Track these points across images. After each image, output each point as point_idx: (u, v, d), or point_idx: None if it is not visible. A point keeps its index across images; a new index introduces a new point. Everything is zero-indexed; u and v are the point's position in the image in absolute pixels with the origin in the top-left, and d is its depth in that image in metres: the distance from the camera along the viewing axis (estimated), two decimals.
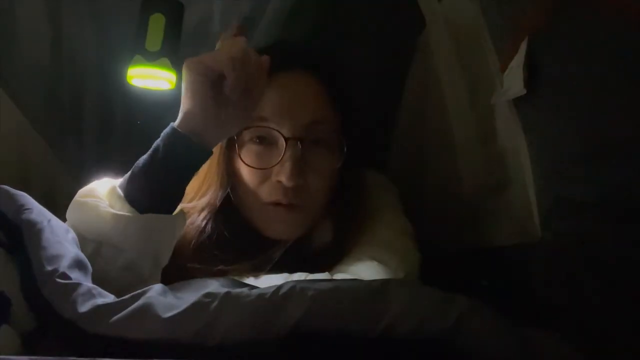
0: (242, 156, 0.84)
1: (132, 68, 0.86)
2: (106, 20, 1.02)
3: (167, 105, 1.03)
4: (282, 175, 0.81)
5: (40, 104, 1.03)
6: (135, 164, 0.74)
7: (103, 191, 0.73)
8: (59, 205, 0.70)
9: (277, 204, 0.83)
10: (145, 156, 0.73)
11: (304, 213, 0.85)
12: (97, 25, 1.02)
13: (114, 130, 1.13)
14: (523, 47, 0.70)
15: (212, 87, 0.71)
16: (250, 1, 1.04)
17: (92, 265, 0.67)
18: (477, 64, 0.87)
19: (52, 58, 1.01)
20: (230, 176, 0.87)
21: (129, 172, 0.74)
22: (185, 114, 0.73)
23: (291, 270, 0.83)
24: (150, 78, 0.88)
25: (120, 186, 0.73)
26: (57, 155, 1.07)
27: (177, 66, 0.88)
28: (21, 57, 0.96)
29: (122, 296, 0.56)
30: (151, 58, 0.85)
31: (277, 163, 0.82)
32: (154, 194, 0.72)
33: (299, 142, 0.82)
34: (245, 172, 0.85)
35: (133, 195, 0.72)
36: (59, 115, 1.06)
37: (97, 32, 1.03)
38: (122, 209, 0.70)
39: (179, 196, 0.75)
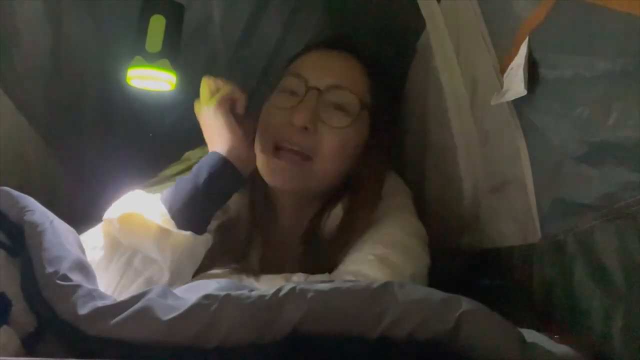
0: (272, 100, 0.91)
1: (132, 69, 0.86)
2: (106, 21, 1.02)
3: (166, 106, 1.03)
4: (295, 115, 0.86)
5: (40, 104, 1.03)
6: (177, 186, 0.79)
7: (146, 203, 0.77)
8: (58, 206, 0.70)
9: (281, 149, 0.87)
10: (190, 181, 0.79)
11: (309, 167, 0.87)
12: (97, 26, 1.02)
13: (114, 131, 1.13)
14: (523, 48, 0.70)
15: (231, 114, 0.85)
16: (249, 4, 1.04)
17: (118, 277, 0.73)
18: (477, 65, 0.87)
19: (52, 58, 1.01)
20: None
21: (170, 192, 0.78)
22: (231, 148, 0.81)
23: (300, 255, 0.87)
24: (150, 79, 0.88)
25: (162, 201, 0.78)
26: (56, 155, 1.07)
27: (177, 67, 0.88)
28: (21, 57, 0.96)
29: None
30: (151, 59, 0.85)
31: (295, 106, 0.87)
32: (194, 217, 0.77)
33: (319, 93, 0.88)
34: (267, 115, 0.91)
35: (173, 214, 0.76)
36: (59, 115, 1.06)
37: (97, 32, 1.03)
38: (165, 224, 0.75)
39: (211, 219, 0.81)
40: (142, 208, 0.75)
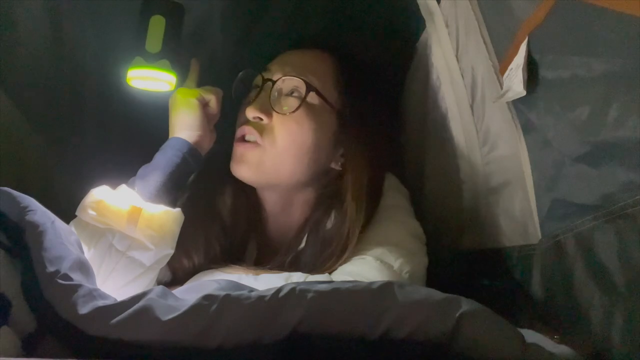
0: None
1: (132, 69, 0.86)
2: (106, 21, 1.01)
3: (167, 107, 1.03)
4: (248, 108, 0.89)
5: (40, 104, 1.02)
6: (143, 171, 0.84)
7: (115, 191, 0.80)
8: (58, 206, 0.69)
9: (239, 140, 0.91)
10: (160, 167, 0.84)
11: (260, 153, 0.89)
12: (97, 27, 1.02)
13: (113, 131, 1.13)
14: (523, 48, 0.70)
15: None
16: (250, 4, 1.04)
17: (104, 259, 0.75)
18: (477, 65, 0.87)
19: (52, 59, 1.01)
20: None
21: (139, 178, 0.83)
22: (193, 132, 0.88)
23: (294, 256, 0.87)
24: (150, 80, 0.88)
25: (130, 185, 0.83)
26: (56, 155, 1.07)
27: (177, 68, 0.88)
28: (21, 58, 0.96)
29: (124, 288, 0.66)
30: (151, 60, 0.85)
31: (253, 100, 0.90)
32: (162, 195, 0.82)
33: (272, 84, 0.90)
34: (239, 113, 0.94)
35: (143, 195, 0.81)
36: (59, 116, 1.06)
37: (97, 33, 1.02)
38: (136, 203, 0.78)
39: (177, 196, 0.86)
40: (112, 195, 0.79)
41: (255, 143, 0.89)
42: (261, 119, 0.89)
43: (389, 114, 1.02)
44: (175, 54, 0.87)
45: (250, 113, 0.89)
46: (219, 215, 0.94)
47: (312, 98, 0.90)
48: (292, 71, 0.91)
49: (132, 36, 0.87)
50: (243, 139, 0.90)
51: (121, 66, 0.89)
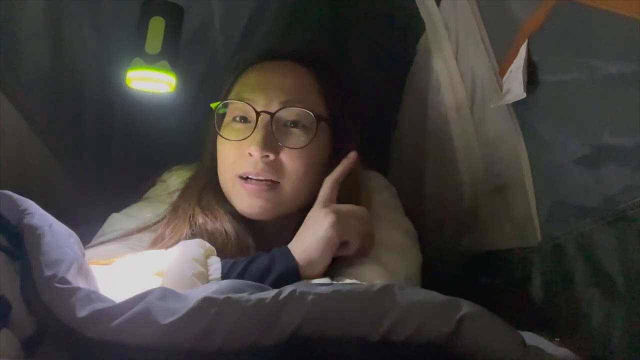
0: (223, 134, 0.87)
1: (132, 71, 0.86)
2: (106, 24, 1.02)
3: (166, 108, 1.03)
4: (252, 145, 0.83)
5: (41, 107, 1.03)
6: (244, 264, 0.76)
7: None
8: (58, 208, 0.69)
9: (248, 178, 0.84)
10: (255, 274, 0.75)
11: (278, 191, 0.85)
12: (97, 29, 1.02)
13: (113, 134, 1.13)
14: (522, 50, 0.70)
15: None
16: (249, 5, 1.04)
17: None
18: (476, 67, 0.87)
19: (53, 62, 1.01)
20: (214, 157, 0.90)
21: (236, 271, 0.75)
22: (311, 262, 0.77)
23: None
24: (149, 81, 0.88)
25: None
26: (56, 157, 1.07)
27: (176, 69, 0.88)
28: (22, 61, 0.96)
29: None
30: (151, 61, 0.86)
31: (249, 135, 0.84)
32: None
33: (271, 117, 0.84)
34: (224, 149, 0.87)
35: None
36: (59, 118, 1.06)
37: (97, 35, 1.03)
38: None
39: None
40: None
41: (270, 182, 0.84)
42: (267, 156, 0.83)
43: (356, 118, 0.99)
44: (174, 55, 0.87)
45: (257, 153, 0.82)
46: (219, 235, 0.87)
47: (320, 126, 0.87)
48: (287, 99, 0.86)
49: (132, 37, 0.87)
50: (251, 180, 0.84)
51: (121, 67, 0.89)
